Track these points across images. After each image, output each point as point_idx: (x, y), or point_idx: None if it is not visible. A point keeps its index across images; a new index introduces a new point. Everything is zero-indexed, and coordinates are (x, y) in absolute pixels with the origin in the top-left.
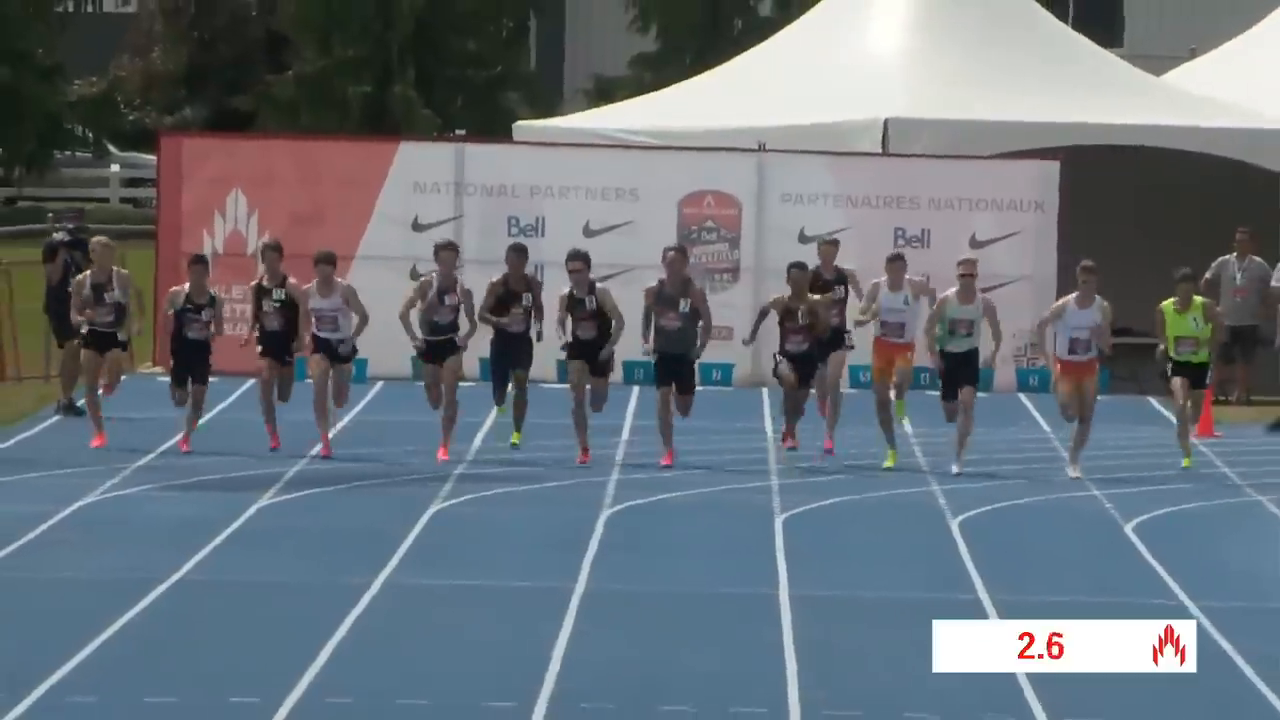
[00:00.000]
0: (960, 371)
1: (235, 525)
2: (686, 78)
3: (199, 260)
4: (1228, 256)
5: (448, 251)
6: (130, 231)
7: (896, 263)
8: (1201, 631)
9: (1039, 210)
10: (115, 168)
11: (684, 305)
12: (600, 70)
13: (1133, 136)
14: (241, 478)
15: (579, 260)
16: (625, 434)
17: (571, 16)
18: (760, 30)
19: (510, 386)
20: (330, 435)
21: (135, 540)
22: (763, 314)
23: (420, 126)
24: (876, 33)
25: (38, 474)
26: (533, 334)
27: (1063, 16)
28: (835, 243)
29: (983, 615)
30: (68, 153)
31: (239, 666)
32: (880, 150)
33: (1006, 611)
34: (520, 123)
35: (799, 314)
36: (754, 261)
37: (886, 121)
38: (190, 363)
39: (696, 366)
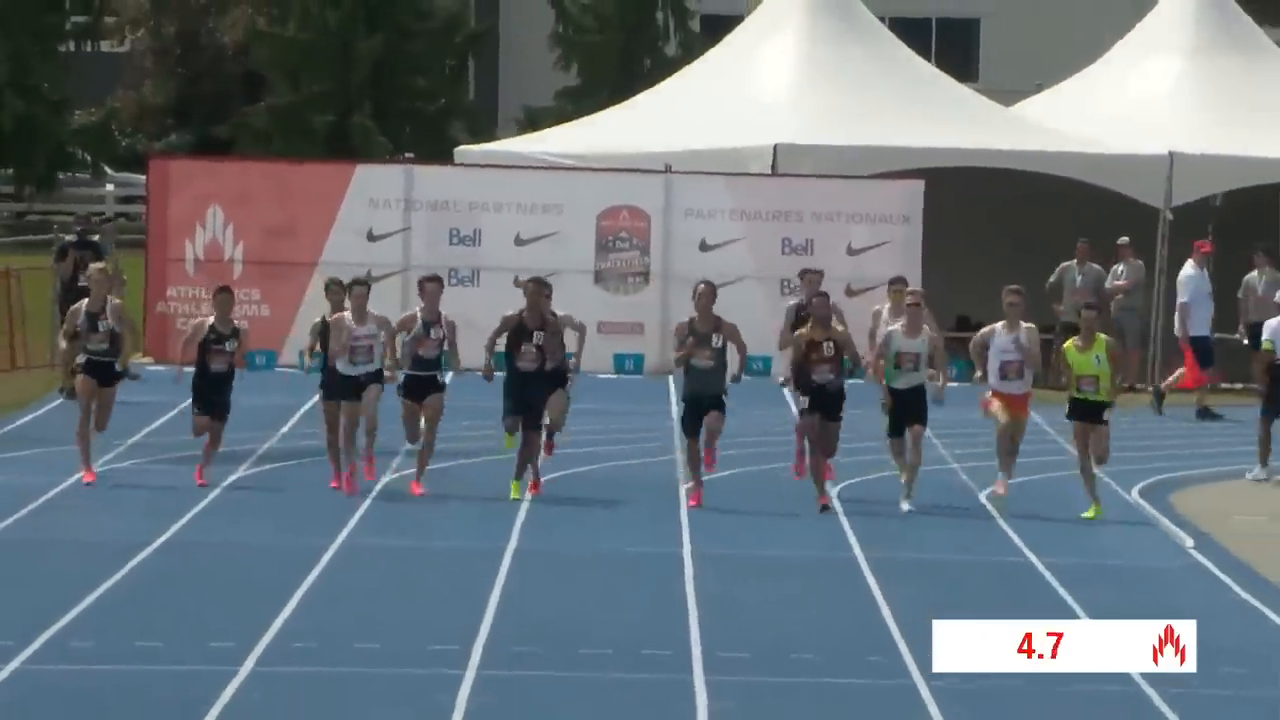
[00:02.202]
0: (910, 409)
1: (214, 495)
2: (604, 108)
3: (224, 290)
4: (1069, 263)
5: (432, 284)
6: (123, 241)
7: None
8: (1043, 581)
9: (906, 223)
10: (111, 186)
11: (716, 341)
12: (529, 102)
13: (987, 160)
14: (219, 453)
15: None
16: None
17: (505, 56)
18: (667, 68)
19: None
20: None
21: (127, 508)
22: (798, 367)
23: (375, 151)
24: (767, 70)
25: (42, 450)
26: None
27: (926, 55)
28: (819, 273)
29: (858, 571)
30: (70, 174)
31: (217, 615)
32: (771, 171)
33: (877, 567)
34: (461, 147)
35: (823, 345)
36: (661, 267)
37: (776, 147)
38: (213, 397)
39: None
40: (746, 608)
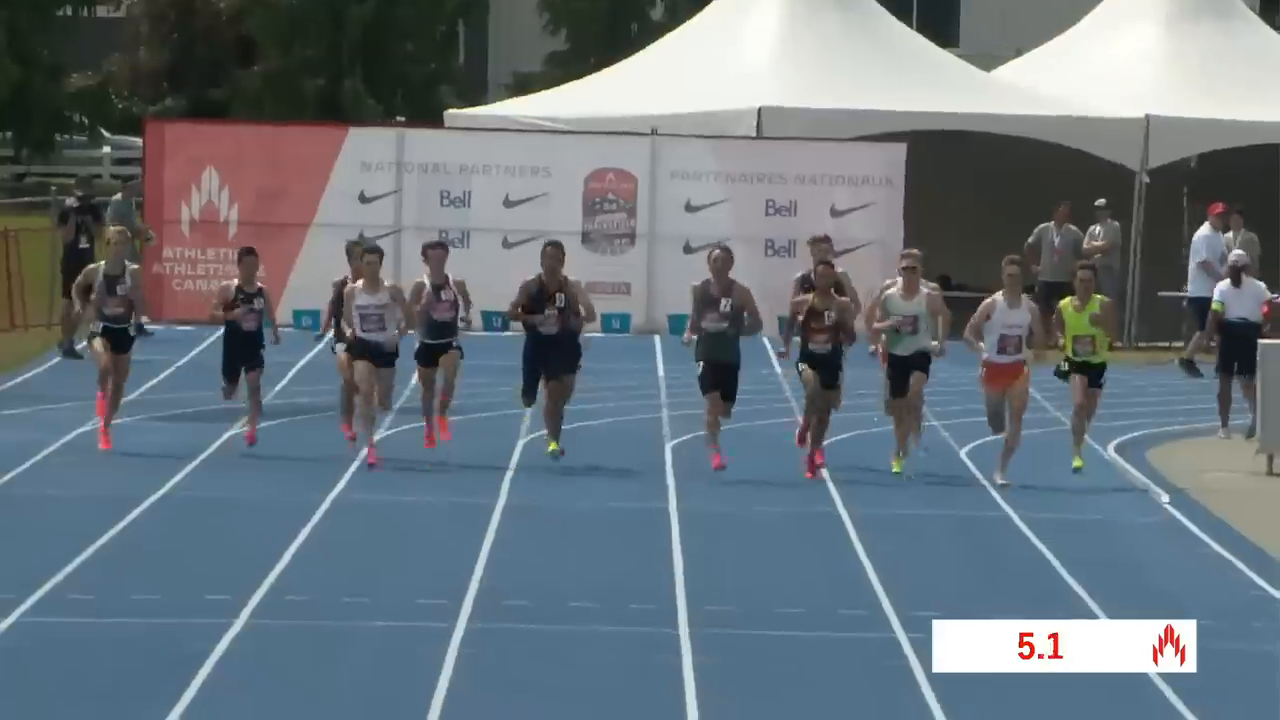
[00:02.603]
0: (908, 375)
1: (209, 451)
2: (591, 73)
3: (249, 252)
4: (1047, 224)
5: (436, 250)
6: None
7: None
8: (1021, 535)
9: (888, 185)
10: (107, 149)
11: (725, 305)
12: (518, 67)
13: (967, 123)
14: (213, 411)
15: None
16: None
17: (494, 21)
18: (653, 33)
19: (542, 389)
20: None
21: (124, 464)
22: (791, 322)
23: (367, 115)
24: (751, 35)
25: (42, 407)
26: (581, 338)
27: (907, 20)
28: (827, 240)
29: (841, 526)
30: (68, 137)
31: (212, 569)
32: (755, 134)
33: (858, 522)
34: (451, 111)
35: (824, 315)
36: (648, 228)
37: (760, 110)
38: (243, 354)
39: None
40: (730, 562)
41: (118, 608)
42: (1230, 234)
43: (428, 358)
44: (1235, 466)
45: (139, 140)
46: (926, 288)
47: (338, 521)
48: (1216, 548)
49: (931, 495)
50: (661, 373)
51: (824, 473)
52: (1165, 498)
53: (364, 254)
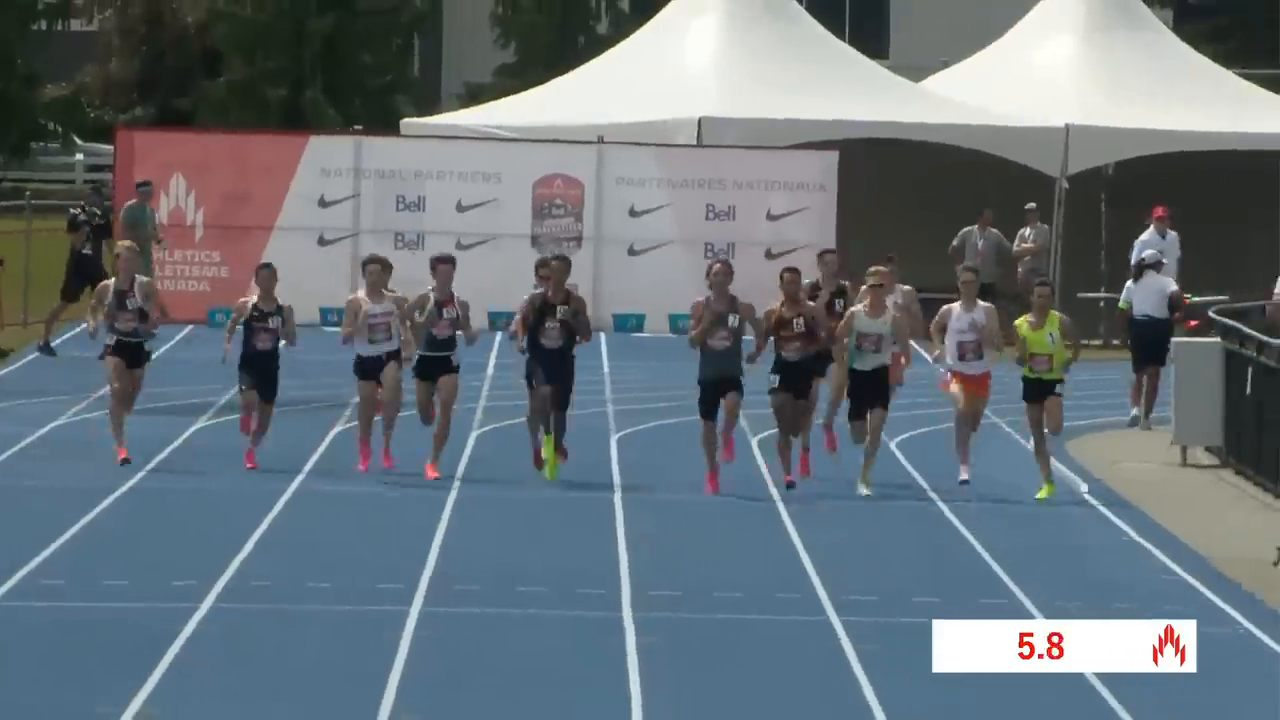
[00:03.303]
0: (868, 390)
1: (176, 443)
2: (540, 84)
3: (266, 267)
4: (971, 228)
5: (444, 265)
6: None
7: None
8: (949, 523)
9: (822, 191)
10: (80, 156)
11: (733, 321)
12: (471, 78)
13: (897, 131)
14: (182, 405)
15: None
16: (490, 369)
17: (448, 34)
18: (599, 46)
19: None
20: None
21: (96, 455)
22: (766, 334)
23: (327, 123)
24: (692, 49)
25: (17, 402)
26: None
27: (839, 34)
28: (834, 253)
29: (778, 516)
30: (42, 144)
31: (179, 556)
32: (695, 142)
33: (795, 512)
34: (406, 120)
35: (793, 322)
36: (594, 232)
37: (701, 119)
38: (259, 377)
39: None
40: (674, 549)
41: (89, 593)
42: (1147, 235)
43: (423, 371)
44: (1150, 457)
45: (110, 147)
46: (901, 291)
47: (299, 510)
48: (1133, 535)
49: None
50: (607, 369)
51: (797, 477)
52: (1084, 487)
53: (366, 264)
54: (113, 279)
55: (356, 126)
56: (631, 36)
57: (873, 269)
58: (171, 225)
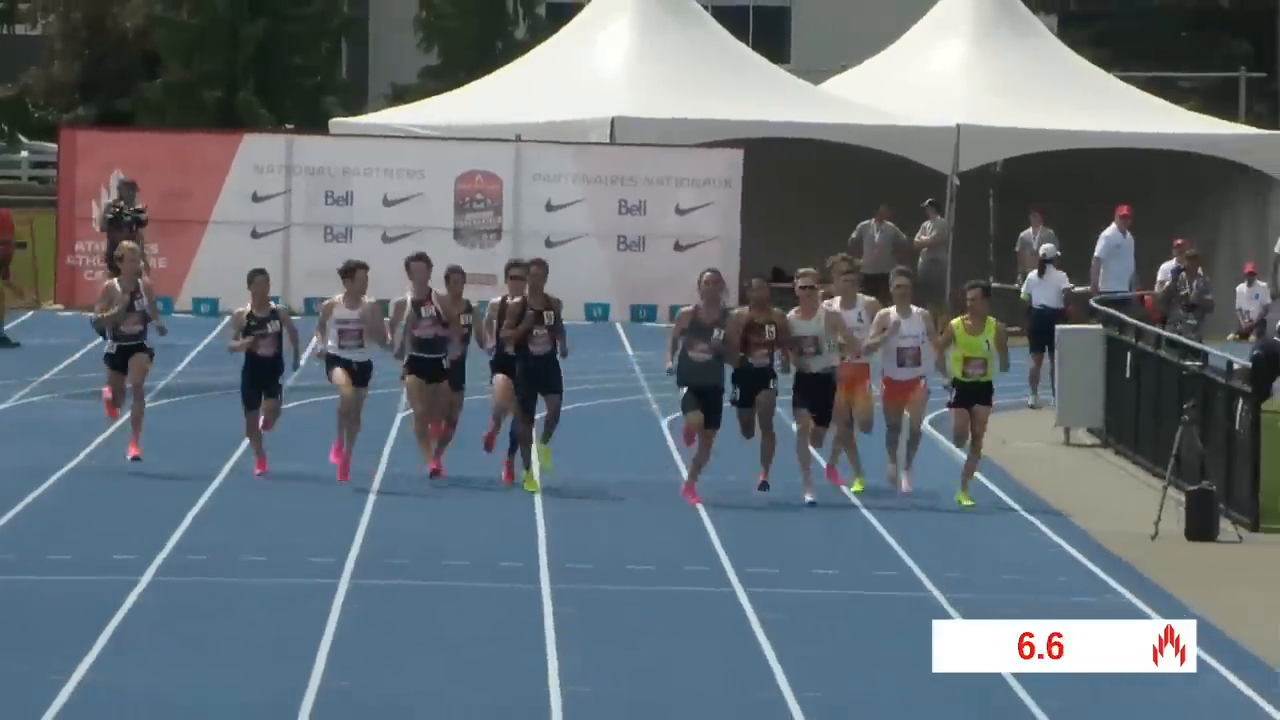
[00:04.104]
0: (814, 397)
1: (117, 425)
2: (461, 85)
3: (259, 272)
4: (869, 221)
5: (417, 263)
6: (36, 201)
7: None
8: (846, 500)
9: (727, 187)
10: (25, 154)
11: (718, 334)
12: (396, 79)
13: (798, 131)
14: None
15: (520, 268)
16: None
17: (374, 38)
18: (517, 50)
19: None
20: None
21: (40, 437)
22: (727, 339)
23: (259, 123)
24: (605, 52)
25: None
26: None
27: (744, 39)
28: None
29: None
30: None
31: (120, 532)
32: (609, 141)
33: (703, 489)
34: (335, 119)
35: (764, 329)
36: (513, 225)
37: (613, 119)
38: (261, 381)
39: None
40: (589, 525)
41: (36, 566)
42: (1031, 230)
43: (419, 370)
44: (1036, 437)
45: (54, 145)
46: (864, 302)
47: (235, 489)
48: (1021, 511)
49: (778, 464)
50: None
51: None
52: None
53: (355, 269)
54: (115, 280)
55: (288, 126)
56: (548, 41)
57: (802, 270)
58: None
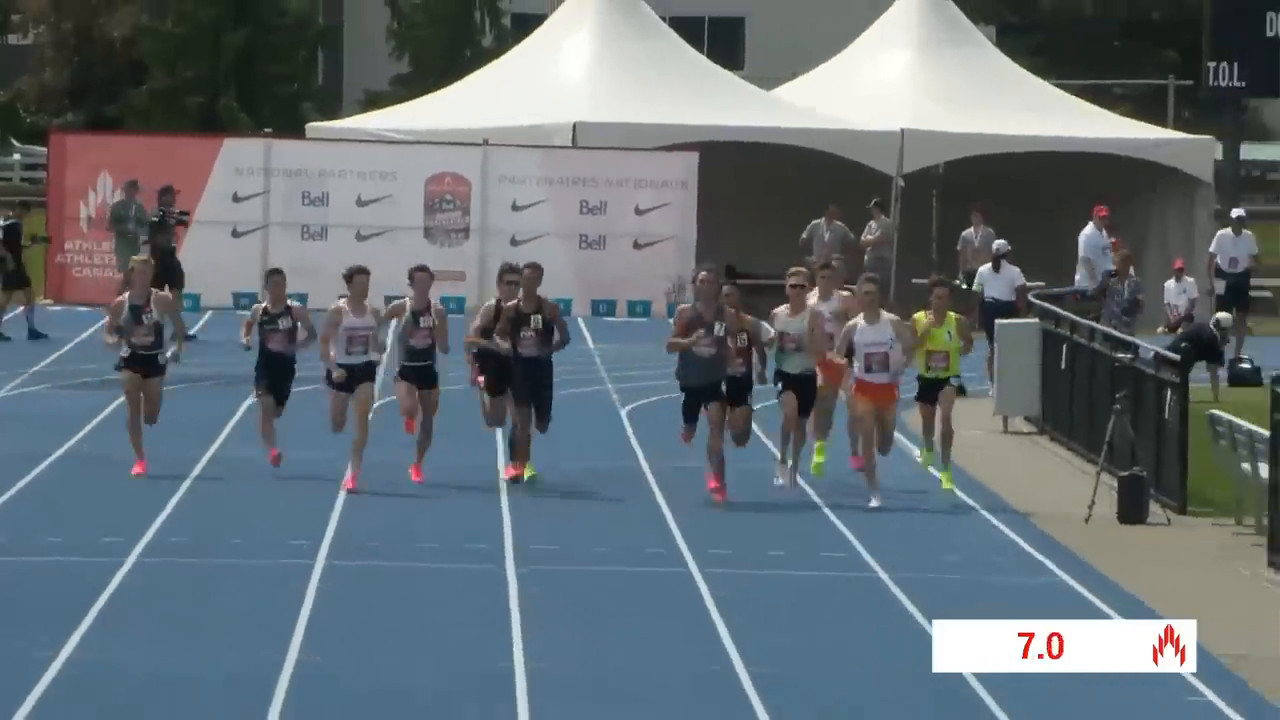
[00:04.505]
0: (803, 395)
1: (104, 414)
2: (431, 91)
3: (276, 272)
4: (819, 221)
5: (420, 274)
6: (29, 201)
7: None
8: (803, 492)
9: (684, 188)
10: (17, 156)
11: (719, 328)
12: (369, 86)
13: (751, 135)
14: (109, 380)
15: (514, 274)
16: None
17: (348, 47)
18: (484, 57)
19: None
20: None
21: (31, 425)
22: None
23: (240, 127)
24: (568, 60)
25: None
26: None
27: (699, 47)
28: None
29: (644, 479)
30: None
31: (107, 515)
32: (571, 144)
33: (660, 476)
34: (311, 124)
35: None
36: (480, 224)
37: (575, 124)
38: (275, 380)
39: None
40: (552, 511)
41: (29, 548)
42: (972, 229)
43: (409, 376)
44: (975, 425)
45: (44, 149)
46: (840, 297)
47: (215, 475)
48: (961, 495)
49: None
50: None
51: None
52: (916, 452)
53: (355, 274)
54: (127, 294)
55: (266, 130)
56: (513, 49)
57: (793, 269)
58: (99, 219)
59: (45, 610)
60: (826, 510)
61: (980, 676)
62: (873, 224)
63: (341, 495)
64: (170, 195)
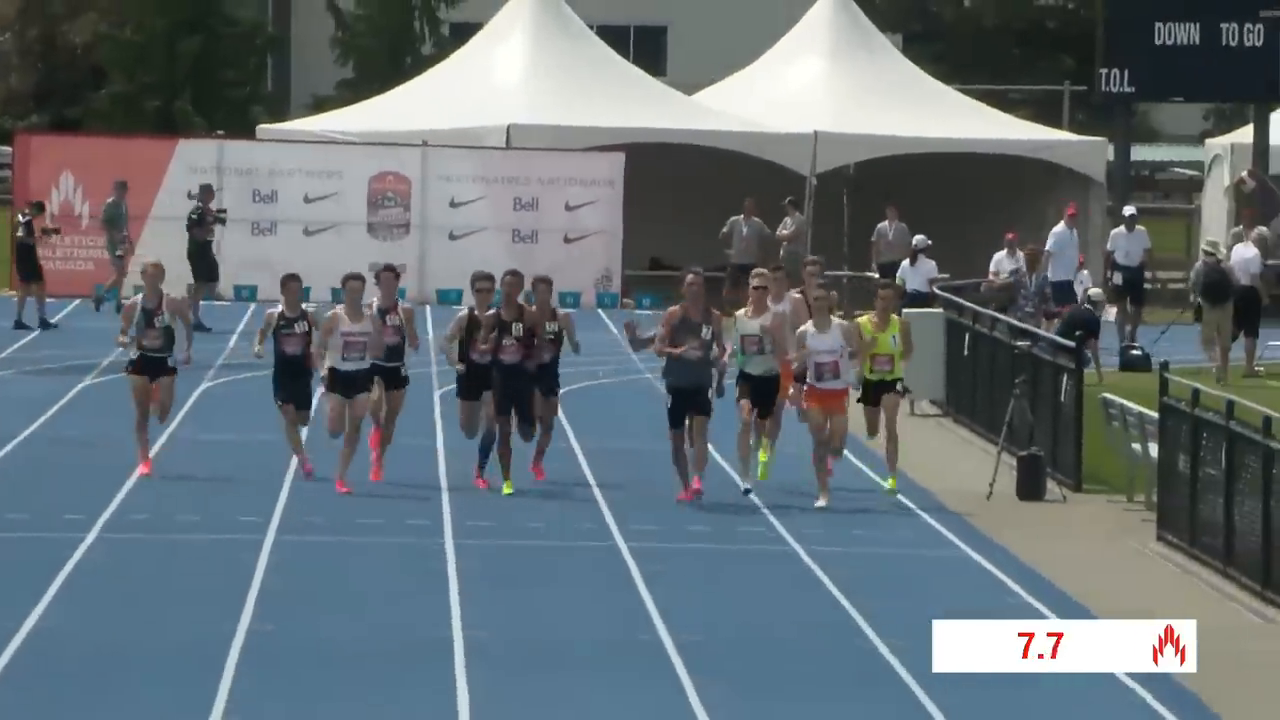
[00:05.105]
0: (758, 398)
1: (67, 398)
2: (374, 96)
3: (293, 278)
4: (737, 217)
5: (386, 274)
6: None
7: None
8: (716, 465)
9: (611, 186)
10: None
11: (706, 332)
12: (316, 90)
13: (674, 136)
14: (72, 366)
15: (486, 280)
16: None
17: (295, 54)
18: (424, 64)
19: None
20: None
21: None
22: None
23: (194, 129)
24: (502, 67)
25: None
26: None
27: (625, 55)
28: (818, 263)
29: (576, 460)
30: None
31: (69, 494)
32: (505, 145)
33: (591, 457)
34: (261, 125)
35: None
36: (420, 220)
37: (509, 126)
38: (291, 384)
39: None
40: (489, 490)
41: None
42: (885, 224)
43: (379, 374)
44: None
45: (9, 149)
46: (789, 299)
47: (173, 455)
48: (870, 473)
49: (648, 432)
50: (431, 336)
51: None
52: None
53: (348, 280)
54: (139, 297)
55: (219, 132)
56: (451, 56)
57: (756, 271)
58: (62, 215)
59: (10, 583)
60: (734, 475)
61: (888, 642)
62: (787, 220)
63: (289, 476)
64: (209, 193)
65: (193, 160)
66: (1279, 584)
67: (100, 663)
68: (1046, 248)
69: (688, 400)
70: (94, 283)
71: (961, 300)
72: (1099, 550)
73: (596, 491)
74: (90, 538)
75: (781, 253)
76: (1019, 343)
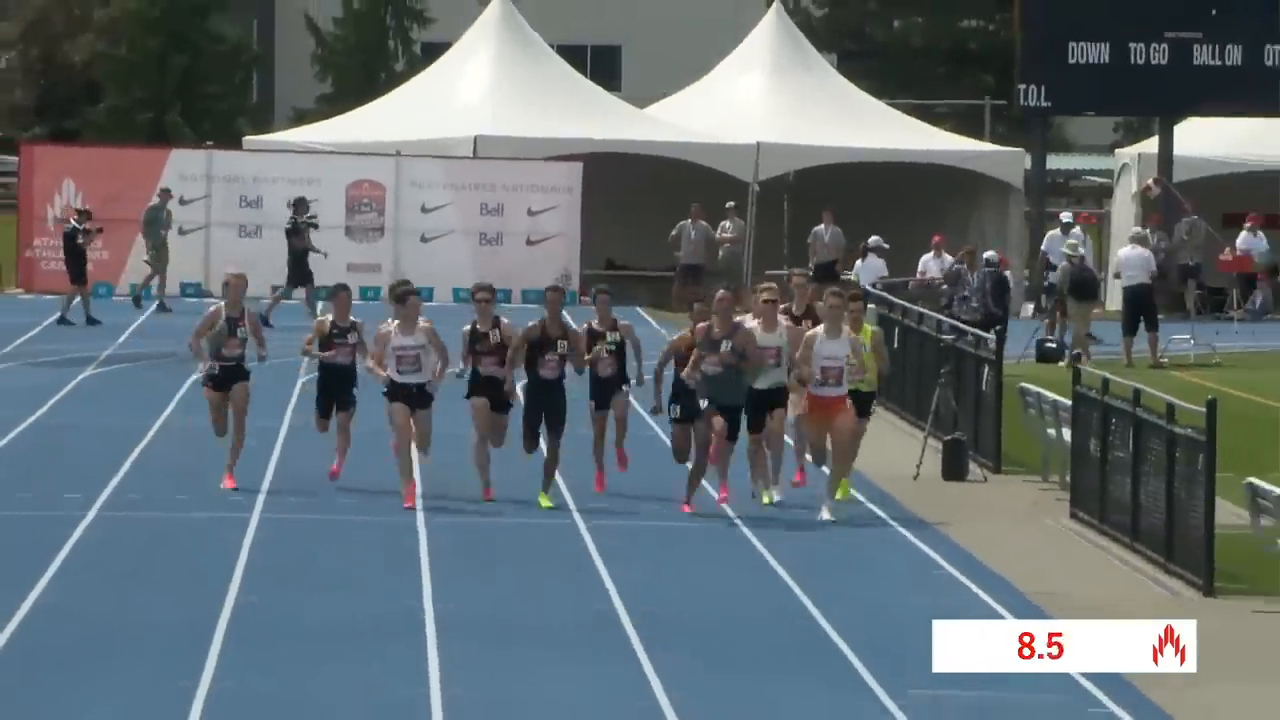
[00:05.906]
0: (763, 410)
1: (68, 388)
2: (351, 109)
3: (343, 288)
4: (686, 221)
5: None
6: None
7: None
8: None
9: (569, 193)
10: None
11: (725, 346)
12: (297, 104)
13: (628, 147)
14: (73, 358)
15: (485, 291)
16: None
17: (279, 70)
18: (397, 79)
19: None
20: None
21: (3, 399)
22: (670, 353)
23: (184, 139)
24: (469, 82)
25: None
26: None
27: (583, 71)
28: (805, 274)
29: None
30: None
31: (68, 476)
32: (472, 155)
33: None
34: (247, 136)
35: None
36: (394, 224)
37: (476, 137)
38: (335, 391)
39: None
40: (458, 473)
41: (2, 503)
42: (822, 227)
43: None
44: None
45: (14, 158)
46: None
47: (165, 441)
48: (806, 458)
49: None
50: None
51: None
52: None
53: (397, 289)
54: (223, 304)
55: (208, 142)
56: (422, 73)
57: (764, 285)
58: (63, 219)
59: (16, 557)
60: (704, 483)
61: (829, 616)
62: (726, 224)
63: (274, 458)
64: (304, 205)
65: (183, 168)
66: (1181, 558)
67: (96, 637)
68: (1041, 248)
69: (724, 416)
70: (93, 281)
71: (891, 297)
72: (1017, 527)
73: (559, 476)
74: (88, 517)
75: (720, 254)
76: (944, 336)
